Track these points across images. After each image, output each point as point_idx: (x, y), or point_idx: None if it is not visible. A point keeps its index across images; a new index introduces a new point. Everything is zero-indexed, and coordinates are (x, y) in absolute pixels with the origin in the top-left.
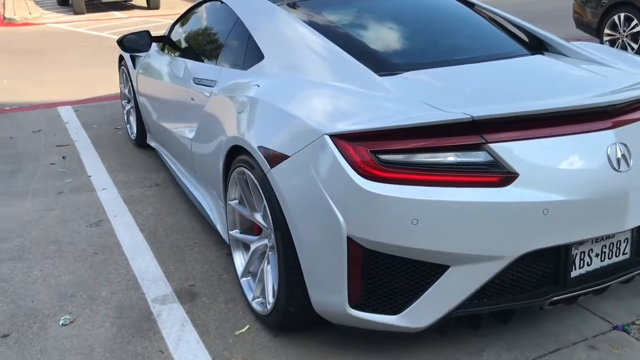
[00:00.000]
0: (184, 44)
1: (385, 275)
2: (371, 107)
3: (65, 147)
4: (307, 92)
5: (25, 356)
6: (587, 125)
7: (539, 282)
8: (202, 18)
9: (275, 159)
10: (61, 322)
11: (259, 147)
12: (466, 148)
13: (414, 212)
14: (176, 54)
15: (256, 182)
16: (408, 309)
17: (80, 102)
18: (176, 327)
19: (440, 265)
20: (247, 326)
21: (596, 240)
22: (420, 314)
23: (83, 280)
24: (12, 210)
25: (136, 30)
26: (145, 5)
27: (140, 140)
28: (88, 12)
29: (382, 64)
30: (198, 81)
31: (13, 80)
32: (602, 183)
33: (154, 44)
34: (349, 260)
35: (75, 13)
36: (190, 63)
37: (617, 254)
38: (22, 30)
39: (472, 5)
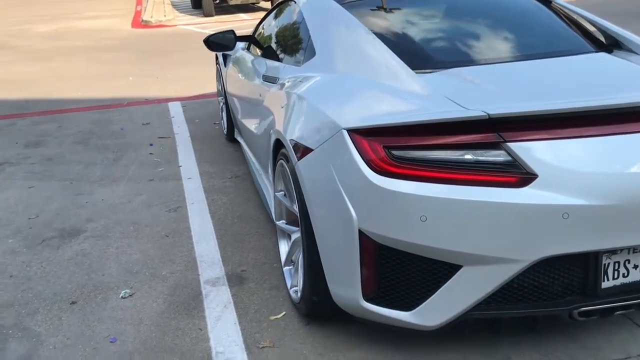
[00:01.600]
0: (261, 43)
1: (398, 271)
2: (394, 103)
3: (166, 140)
4: (338, 88)
5: (85, 322)
6: (618, 127)
7: (564, 291)
8: (278, 17)
9: (302, 152)
10: (121, 295)
11: (291, 141)
12: (483, 146)
13: (422, 209)
14: (257, 53)
15: (289, 174)
16: (421, 306)
17: (189, 98)
18: (219, 308)
19: (453, 265)
20: (284, 313)
21: (634, 250)
22: (433, 312)
23: (150, 259)
24: (106, 194)
25: (223, 30)
26: (270, 7)
27: (230, 135)
28: (217, 14)
29: (424, 61)
30: (265, 78)
31: (138, 77)
32: (632, 189)
33: (241, 43)
34: (361, 254)
35: (205, 15)
36: (263, 61)
37: None
38: (155, 31)
39: (548, 3)
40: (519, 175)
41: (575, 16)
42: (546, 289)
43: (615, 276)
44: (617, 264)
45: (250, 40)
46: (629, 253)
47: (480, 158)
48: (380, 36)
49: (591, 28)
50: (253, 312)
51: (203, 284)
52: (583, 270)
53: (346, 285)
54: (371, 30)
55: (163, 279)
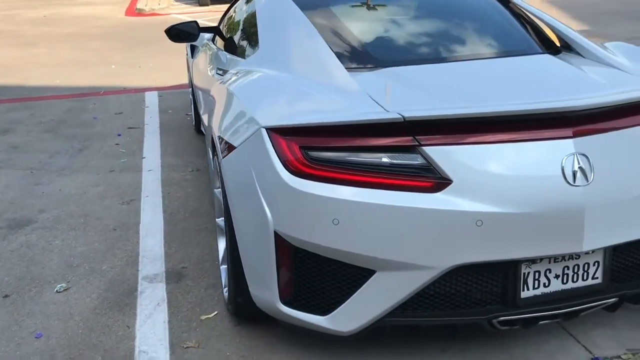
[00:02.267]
0: (224, 34)
1: (314, 275)
2: (318, 102)
3: (135, 130)
4: (268, 85)
5: (14, 316)
6: (541, 133)
7: (483, 299)
8: (238, 9)
9: (228, 149)
10: (56, 289)
11: (219, 137)
12: (399, 150)
13: (334, 212)
14: (217, 44)
15: (218, 171)
16: (335, 311)
17: (167, 88)
18: (151, 306)
19: (367, 269)
20: (216, 312)
21: (555, 260)
22: (347, 317)
23: (93, 253)
24: (64, 184)
25: (185, 21)
26: None
27: (197, 126)
28: (212, 3)
29: (363, 59)
30: (218, 70)
31: (121, 66)
32: (551, 197)
33: (208, 34)
34: (277, 256)
35: (200, 5)
36: (222, 53)
37: (585, 278)
38: (147, 20)
39: (506, 3)
40: (434, 180)
41: (531, 17)
42: (464, 297)
43: (536, 286)
44: (537, 274)
45: (215, 31)
46: (549, 262)
47: (396, 161)
48: (327, 34)
49: (546, 29)
50: (185, 311)
51: (140, 281)
52: (502, 279)
53: (264, 287)
54: (318, 28)
55: (102, 274)
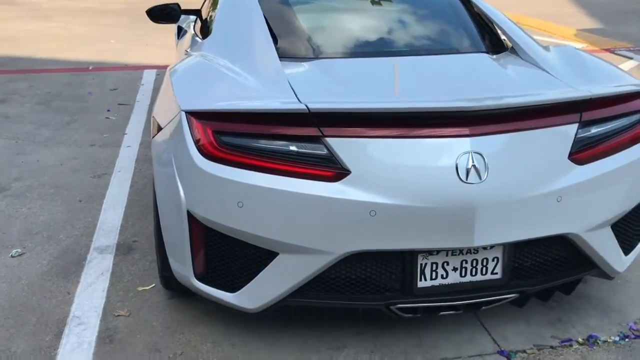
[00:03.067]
0: (199, 17)
1: (223, 253)
2: (240, 89)
3: (125, 106)
4: (200, 70)
5: None
6: (440, 130)
7: (382, 286)
8: None
9: (157, 129)
10: (11, 254)
11: (153, 117)
12: (305, 139)
13: (239, 195)
14: (194, 27)
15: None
16: (243, 289)
17: (165, 67)
18: (95, 275)
19: (270, 252)
20: (153, 285)
21: (453, 253)
22: (253, 295)
23: (54, 222)
24: (44, 155)
25: (167, 2)
26: None
27: None
28: None
29: (303, 49)
30: (185, 53)
31: (127, 43)
32: (443, 193)
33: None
34: (191, 235)
35: None
36: (194, 36)
37: (484, 272)
38: None
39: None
40: (334, 170)
41: (486, 16)
42: (363, 282)
43: (434, 277)
44: (434, 265)
45: (196, 13)
46: (446, 255)
47: (302, 150)
48: (277, 24)
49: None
50: (125, 282)
51: (91, 251)
52: (399, 268)
53: (181, 262)
54: (270, 18)
55: (57, 242)
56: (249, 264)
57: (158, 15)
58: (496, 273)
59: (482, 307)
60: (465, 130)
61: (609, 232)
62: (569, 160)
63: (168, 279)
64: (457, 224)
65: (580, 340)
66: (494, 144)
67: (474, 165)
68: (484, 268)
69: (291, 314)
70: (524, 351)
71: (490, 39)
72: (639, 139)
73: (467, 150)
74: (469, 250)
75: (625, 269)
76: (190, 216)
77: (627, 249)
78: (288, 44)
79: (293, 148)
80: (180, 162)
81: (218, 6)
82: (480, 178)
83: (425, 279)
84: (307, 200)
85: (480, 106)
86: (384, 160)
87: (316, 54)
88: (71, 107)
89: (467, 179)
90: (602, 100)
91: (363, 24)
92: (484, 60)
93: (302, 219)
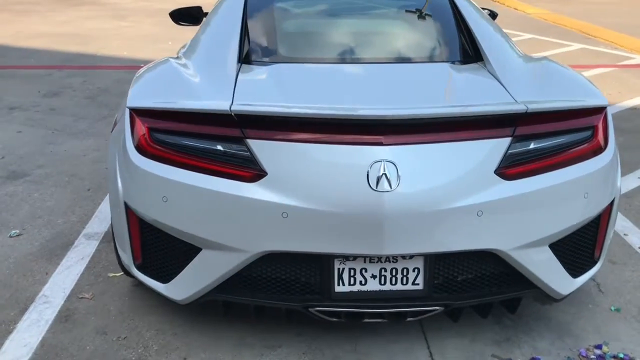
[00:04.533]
0: None
1: (156, 246)
2: (186, 89)
3: None
4: (159, 70)
5: None
6: (356, 137)
7: (301, 288)
8: None
9: (114, 124)
10: (10, 234)
11: (117, 114)
12: (228, 140)
13: (164, 190)
14: None
15: None
16: (172, 280)
17: None
18: (75, 259)
19: (195, 247)
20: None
21: (371, 260)
22: (181, 288)
23: (58, 208)
24: (72, 146)
25: (190, 5)
26: None
27: None
28: None
29: (269, 53)
30: None
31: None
32: (353, 199)
33: None
34: (129, 225)
35: None
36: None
37: (405, 282)
38: None
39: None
40: (253, 171)
41: (468, 23)
42: (284, 283)
43: (352, 282)
44: (352, 271)
45: None
46: (364, 262)
47: (225, 151)
48: (253, 28)
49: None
50: (100, 267)
51: (80, 237)
52: (318, 271)
53: (124, 251)
54: (249, 22)
55: (53, 227)
56: (177, 257)
57: (179, 17)
58: (417, 284)
59: (407, 318)
60: (380, 139)
61: (547, 252)
62: (495, 175)
63: (124, 267)
64: (367, 231)
65: None
66: (409, 153)
67: (384, 174)
68: (405, 278)
69: (245, 312)
70: None
71: (464, 49)
72: (582, 158)
73: (380, 158)
74: (388, 259)
75: (571, 291)
76: (128, 208)
77: (575, 272)
78: (258, 48)
79: (218, 148)
80: (121, 156)
81: (212, 10)
82: (390, 187)
83: (344, 284)
84: (225, 199)
85: (392, 115)
86: (299, 164)
87: (282, 59)
88: (113, 102)
89: (377, 187)
90: (543, 115)
91: (340, 31)
92: (441, 70)
93: (220, 217)
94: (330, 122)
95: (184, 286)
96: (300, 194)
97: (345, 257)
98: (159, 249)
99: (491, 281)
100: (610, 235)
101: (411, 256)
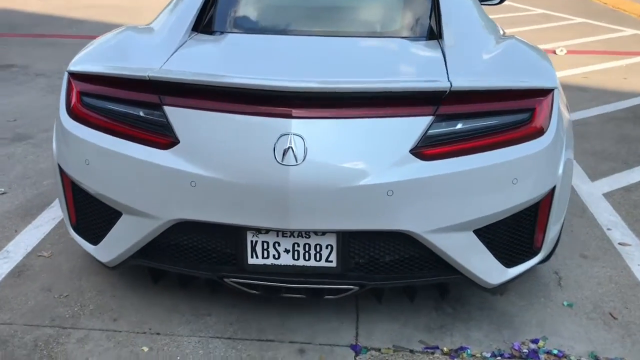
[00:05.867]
0: None
1: (86, 207)
2: (127, 56)
3: None
4: (110, 37)
5: None
6: (267, 109)
7: (217, 258)
8: None
9: None
10: None
11: None
12: (148, 106)
13: (85, 154)
14: None
15: None
16: (100, 243)
17: None
18: (47, 219)
19: (116, 211)
20: None
21: (284, 234)
22: (106, 251)
23: (48, 171)
24: None
25: None
26: None
27: None
28: None
29: (218, 23)
30: None
31: None
32: (259, 171)
33: None
34: (63, 186)
35: None
36: None
37: (318, 259)
38: None
39: None
40: (168, 139)
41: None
42: (201, 253)
43: (265, 255)
44: (266, 244)
45: None
46: (277, 236)
47: (145, 117)
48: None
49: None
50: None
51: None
52: (232, 243)
53: (64, 212)
54: None
55: (37, 188)
56: (104, 220)
57: None
58: (331, 261)
59: (325, 296)
60: (289, 112)
61: (471, 238)
62: (410, 155)
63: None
64: (273, 205)
65: (445, 349)
66: (318, 128)
67: (291, 147)
68: (318, 254)
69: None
70: (379, 350)
71: (428, 26)
72: (514, 141)
73: (287, 131)
74: (300, 234)
75: (502, 281)
76: (61, 170)
77: (510, 261)
78: (217, 19)
79: (139, 114)
80: (57, 118)
81: None
82: (296, 161)
83: (257, 257)
84: (139, 165)
85: (296, 87)
86: (210, 133)
87: (237, 30)
88: None
89: (282, 160)
90: (473, 94)
91: (305, 4)
92: (389, 44)
93: (135, 182)
94: (241, 92)
95: (108, 249)
96: (209, 163)
97: (258, 230)
98: (89, 211)
99: (410, 264)
100: (555, 226)
101: (323, 232)
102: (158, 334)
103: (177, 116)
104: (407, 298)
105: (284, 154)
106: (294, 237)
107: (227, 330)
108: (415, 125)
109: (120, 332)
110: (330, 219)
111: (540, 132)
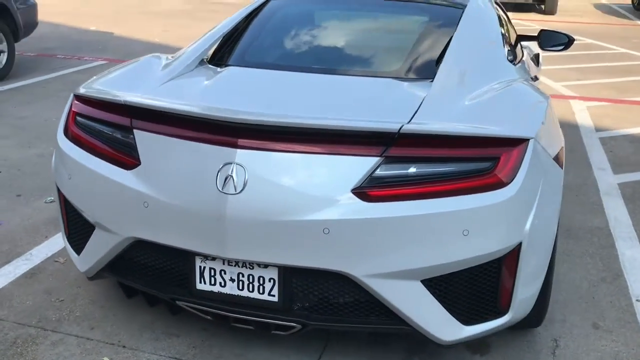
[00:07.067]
0: None
1: (74, 220)
2: (129, 83)
3: None
4: (134, 64)
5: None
6: (215, 137)
7: (170, 280)
8: None
9: None
10: (45, 201)
11: None
12: (122, 128)
13: (68, 169)
14: None
15: None
16: (81, 254)
17: None
18: None
19: (91, 224)
20: None
21: (229, 263)
22: (84, 261)
23: None
24: None
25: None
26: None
27: None
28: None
29: (227, 55)
30: None
31: None
32: (200, 198)
33: None
34: (59, 199)
35: None
36: None
37: (261, 291)
38: None
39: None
40: (133, 160)
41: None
42: (158, 273)
43: (212, 282)
44: (213, 271)
45: None
46: (223, 264)
47: (117, 137)
48: (244, 29)
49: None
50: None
51: None
52: (182, 265)
53: (60, 223)
54: (245, 23)
55: None
56: (84, 232)
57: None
58: (273, 295)
59: (272, 330)
60: (235, 141)
61: (418, 288)
62: (352, 194)
63: None
64: (212, 231)
65: None
66: (261, 159)
67: (231, 176)
68: (261, 287)
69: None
70: None
71: (429, 67)
72: (469, 190)
73: (231, 160)
74: (245, 265)
75: (457, 339)
76: (56, 184)
77: (468, 319)
78: (228, 52)
79: (112, 135)
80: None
81: None
82: (235, 190)
83: (205, 283)
84: (107, 183)
85: (239, 119)
86: (165, 157)
87: (241, 63)
88: None
89: (223, 188)
90: (429, 138)
91: (320, 42)
92: (377, 85)
93: (102, 199)
94: (192, 119)
95: (86, 260)
96: (160, 186)
97: (205, 256)
98: (75, 223)
99: (355, 309)
100: (526, 287)
101: (266, 265)
102: (124, 347)
103: (142, 139)
104: (380, 339)
105: (224, 182)
106: (238, 266)
107: (187, 353)
108: (361, 165)
109: (92, 340)
110: (269, 252)
111: (500, 183)
